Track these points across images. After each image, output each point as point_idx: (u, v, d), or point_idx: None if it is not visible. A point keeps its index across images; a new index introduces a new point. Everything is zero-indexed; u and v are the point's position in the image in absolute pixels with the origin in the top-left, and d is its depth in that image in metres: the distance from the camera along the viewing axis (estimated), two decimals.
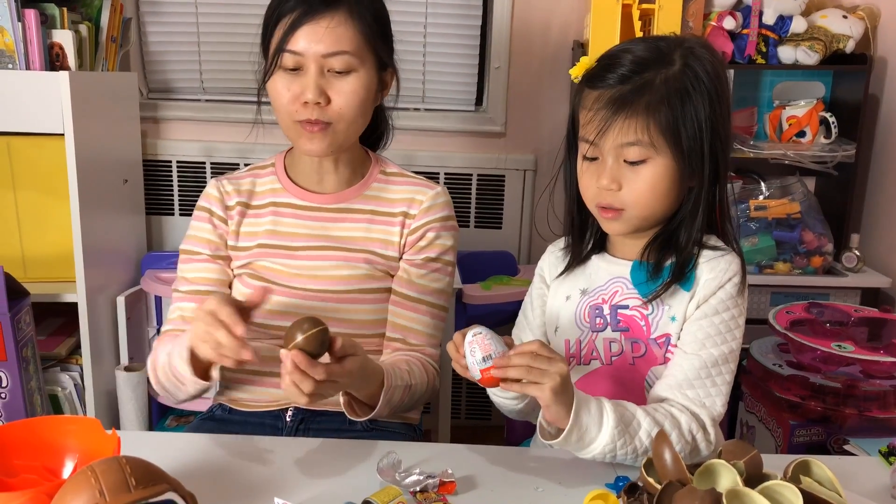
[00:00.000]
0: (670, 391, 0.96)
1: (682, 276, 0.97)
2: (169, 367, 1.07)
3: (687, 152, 0.93)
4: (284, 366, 0.90)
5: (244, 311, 0.95)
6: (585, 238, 1.07)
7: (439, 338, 1.23)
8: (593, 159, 0.97)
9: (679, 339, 0.98)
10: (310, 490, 0.91)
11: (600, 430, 0.88)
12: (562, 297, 1.07)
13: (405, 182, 1.23)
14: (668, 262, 0.99)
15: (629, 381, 1.00)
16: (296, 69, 1.10)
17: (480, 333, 0.88)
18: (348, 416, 1.04)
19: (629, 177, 0.95)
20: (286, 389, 0.92)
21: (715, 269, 0.97)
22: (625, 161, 0.94)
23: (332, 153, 1.16)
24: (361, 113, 1.14)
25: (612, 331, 1.00)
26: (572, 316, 1.04)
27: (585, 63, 0.98)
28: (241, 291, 1.18)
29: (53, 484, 0.74)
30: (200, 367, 1.02)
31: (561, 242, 1.12)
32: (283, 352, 0.90)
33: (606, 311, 1.01)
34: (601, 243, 1.07)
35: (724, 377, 0.96)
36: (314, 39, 1.08)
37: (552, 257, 1.11)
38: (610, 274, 1.03)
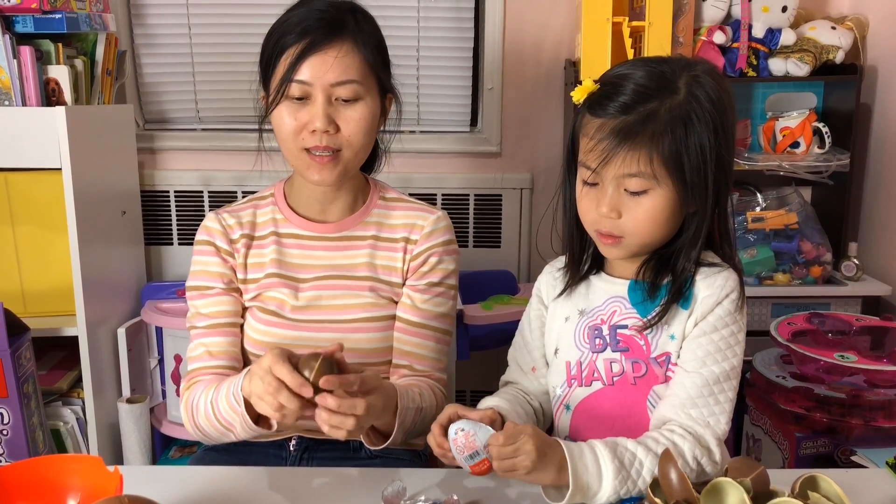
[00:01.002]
0: (673, 411, 0.95)
1: (680, 296, 0.97)
2: (214, 415, 1.07)
3: (689, 183, 0.93)
4: (318, 415, 0.92)
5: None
6: (583, 258, 1.06)
7: (445, 362, 1.23)
8: (593, 184, 0.96)
9: (679, 357, 0.98)
10: None
11: (601, 483, 0.89)
12: (561, 318, 1.06)
13: (405, 207, 1.23)
14: (665, 281, 0.99)
15: (631, 400, 0.99)
16: (302, 98, 1.10)
17: (463, 430, 0.88)
18: (366, 445, 1.04)
19: (629, 206, 0.94)
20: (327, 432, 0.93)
21: (712, 286, 0.97)
22: (625, 190, 0.94)
23: (339, 182, 1.16)
24: (368, 140, 1.15)
25: (612, 351, 1.00)
26: (572, 337, 1.03)
27: (588, 87, 0.97)
28: (253, 326, 1.18)
29: None
30: (254, 413, 1.02)
31: (557, 262, 1.11)
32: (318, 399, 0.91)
33: (605, 331, 1.01)
34: (598, 262, 1.06)
35: (726, 394, 0.96)
36: (323, 69, 1.09)
37: (549, 278, 1.11)
38: (607, 293, 1.03)
